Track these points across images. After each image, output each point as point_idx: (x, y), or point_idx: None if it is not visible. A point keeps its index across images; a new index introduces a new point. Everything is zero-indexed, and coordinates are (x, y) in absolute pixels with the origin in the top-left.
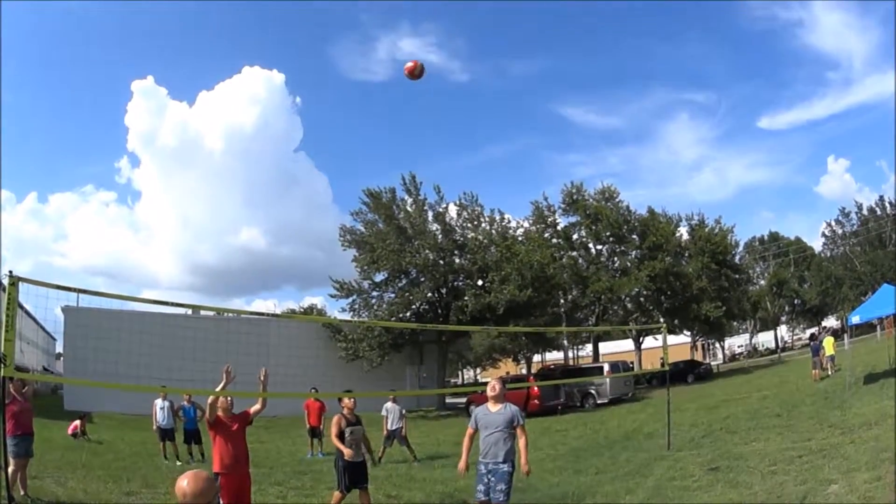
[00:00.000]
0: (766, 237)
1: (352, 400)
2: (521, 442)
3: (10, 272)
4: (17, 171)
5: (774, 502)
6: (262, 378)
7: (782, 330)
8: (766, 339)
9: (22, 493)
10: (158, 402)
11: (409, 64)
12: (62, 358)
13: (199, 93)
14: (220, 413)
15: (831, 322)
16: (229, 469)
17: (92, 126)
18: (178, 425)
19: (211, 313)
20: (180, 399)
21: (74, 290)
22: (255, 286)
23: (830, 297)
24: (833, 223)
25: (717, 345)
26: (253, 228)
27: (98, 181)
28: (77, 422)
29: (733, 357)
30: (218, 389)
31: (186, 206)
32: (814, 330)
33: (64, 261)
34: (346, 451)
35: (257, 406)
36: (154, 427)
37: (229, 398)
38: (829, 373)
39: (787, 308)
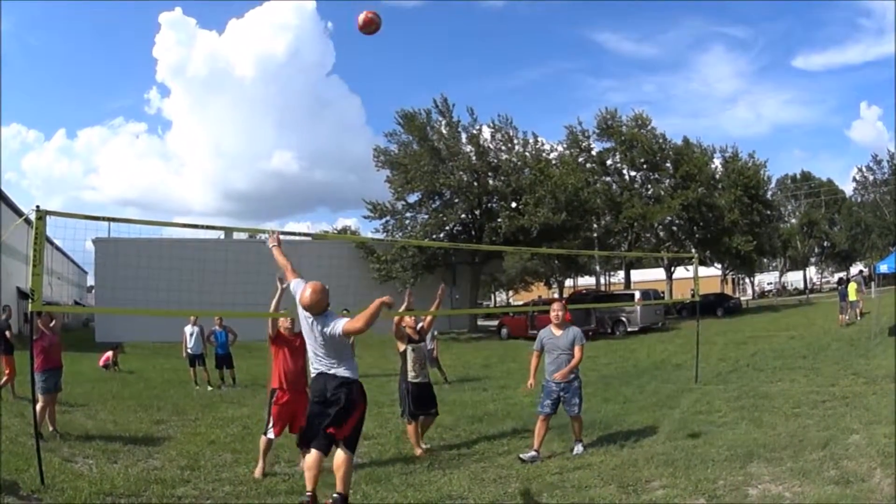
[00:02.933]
0: (797, 176)
1: (412, 318)
2: (577, 356)
3: (38, 207)
4: (44, 109)
5: (797, 446)
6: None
7: (811, 271)
8: (795, 278)
9: (51, 429)
10: (188, 329)
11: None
12: (94, 290)
13: (229, 21)
14: (282, 330)
15: (859, 268)
16: (289, 385)
17: (119, 60)
18: (209, 350)
19: (244, 236)
20: (212, 324)
21: (103, 218)
22: (289, 209)
23: (859, 242)
24: (864, 169)
25: (747, 280)
26: (285, 153)
27: (127, 113)
28: (109, 353)
29: (762, 294)
30: (273, 302)
31: (218, 133)
32: (842, 274)
33: (95, 195)
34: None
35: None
36: (184, 354)
37: (290, 318)
38: (857, 318)
39: (816, 249)
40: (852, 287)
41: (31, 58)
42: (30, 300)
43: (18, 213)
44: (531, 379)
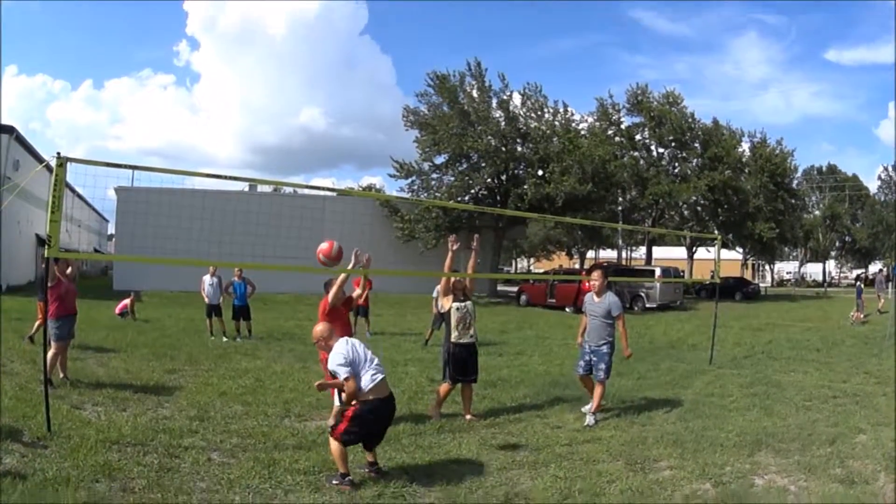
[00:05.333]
0: (824, 168)
1: (463, 280)
2: (620, 330)
3: (58, 153)
4: (71, 59)
5: (805, 440)
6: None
7: (830, 265)
8: (814, 270)
9: (61, 376)
10: (207, 279)
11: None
12: (114, 238)
13: None
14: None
15: (879, 267)
16: None
17: (149, 12)
18: (228, 302)
19: (268, 189)
20: (230, 275)
21: (125, 166)
22: (314, 165)
23: (880, 241)
24: (890, 169)
25: (767, 267)
26: (314, 109)
27: (156, 65)
28: (126, 301)
29: (781, 282)
30: (350, 268)
31: (246, 87)
32: (861, 271)
33: (119, 144)
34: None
35: (359, 292)
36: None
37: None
38: (864, 317)
39: (837, 244)
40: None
41: (59, 9)
42: (46, 246)
43: (41, 160)
44: (578, 338)
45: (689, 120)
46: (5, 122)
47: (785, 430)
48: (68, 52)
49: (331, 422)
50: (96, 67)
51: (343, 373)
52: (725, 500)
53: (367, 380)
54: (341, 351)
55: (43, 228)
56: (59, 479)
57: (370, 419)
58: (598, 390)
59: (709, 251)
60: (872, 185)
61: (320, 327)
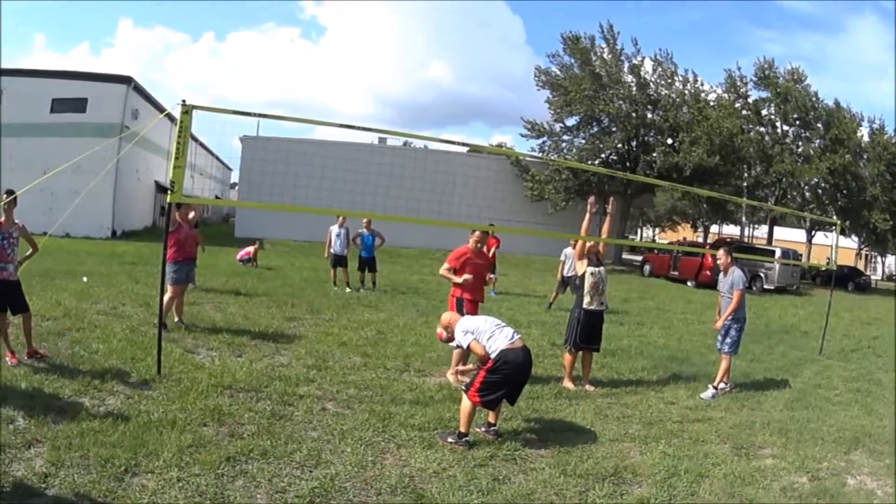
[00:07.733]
0: None
1: (598, 244)
2: (732, 302)
3: (184, 101)
4: (192, 11)
5: None
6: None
7: None
8: None
9: (176, 319)
10: (334, 229)
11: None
12: (237, 187)
13: None
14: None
15: None
16: (474, 296)
17: None
18: (353, 253)
19: (399, 143)
20: (358, 226)
21: (252, 114)
22: (443, 121)
23: None
24: None
25: (879, 259)
26: (442, 63)
27: (279, 19)
28: (250, 248)
29: (890, 277)
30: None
31: (373, 40)
32: None
33: (241, 96)
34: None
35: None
36: (326, 254)
37: (479, 244)
38: None
39: None
40: None
41: None
42: (169, 191)
43: (160, 109)
44: (717, 323)
45: (813, 99)
46: (124, 72)
47: (881, 431)
48: (189, 6)
49: (464, 379)
50: (217, 21)
51: (467, 339)
52: (819, 497)
53: (499, 341)
54: (462, 326)
55: (161, 175)
56: (164, 422)
57: (504, 372)
58: (721, 363)
59: (826, 237)
60: None
61: (446, 316)
